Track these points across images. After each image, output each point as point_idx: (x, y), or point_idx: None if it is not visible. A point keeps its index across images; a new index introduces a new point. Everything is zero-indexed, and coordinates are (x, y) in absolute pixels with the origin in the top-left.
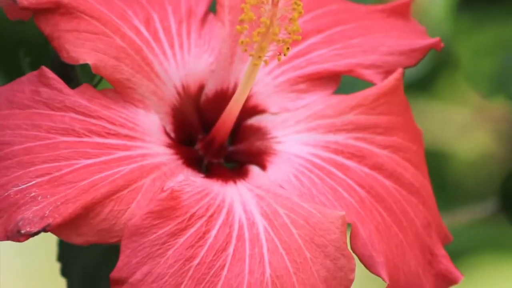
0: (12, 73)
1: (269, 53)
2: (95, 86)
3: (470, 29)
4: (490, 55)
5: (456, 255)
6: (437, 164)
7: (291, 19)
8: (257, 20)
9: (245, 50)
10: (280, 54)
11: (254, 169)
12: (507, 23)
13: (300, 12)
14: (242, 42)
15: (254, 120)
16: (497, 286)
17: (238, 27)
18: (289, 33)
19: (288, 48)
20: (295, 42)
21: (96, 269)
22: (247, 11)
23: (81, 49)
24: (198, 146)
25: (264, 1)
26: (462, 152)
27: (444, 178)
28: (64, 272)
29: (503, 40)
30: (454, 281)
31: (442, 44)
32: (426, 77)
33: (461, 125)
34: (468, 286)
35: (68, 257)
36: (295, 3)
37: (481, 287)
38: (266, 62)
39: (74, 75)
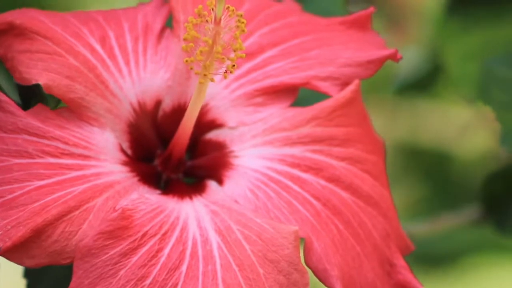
0: None
1: (220, 70)
2: (58, 103)
3: (458, 33)
4: (476, 59)
5: (455, 255)
6: (437, 164)
7: (234, 36)
8: (201, 38)
9: (191, 69)
10: (226, 72)
11: (211, 184)
12: (494, 27)
13: (243, 30)
14: (187, 61)
15: (212, 135)
16: (495, 287)
17: (183, 45)
18: (234, 51)
19: (233, 66)
20: (252, 56)
21: (63, 286)
22: (190, 30)
23: (33, 69)
24: (156, 162)
25: (207, 19)
26: (462, 152)
27: (444, 178)
28: None
29: (489, 44)
30: None
31: (399, 55)
32: (426, 77)
33: (461, 125)
34: (467, 286)
35: (35, 273)
36: (239, 20)
37: (480, 287)
38: (212, 80)
39: (40, 92)
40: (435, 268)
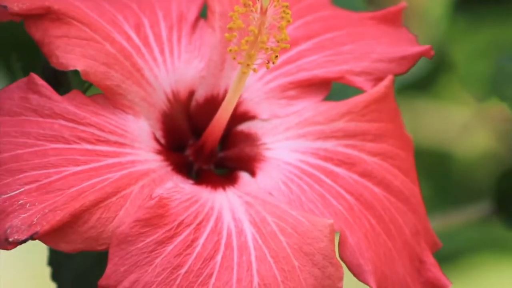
0: (6, 78)
1: (258, 61)
2: (85, 90)
3: (465, 31)
4: (484, 57)
5: (455, 255)
6: (437, 164)
7: (279, 27)
8: (246, 28)
9: (234, 58)
10: (268, 62)
11: (243, 176)
12: (502, 25)
13: (289, 21)
14: (230, 50)
15: (244, 126)
16: (496, 286)
17: (226, 35)
18: (278, 41)
19: (276, 56)
20: (286, 49)
21: (87, 275)
22: (236, 19)
23: (70, 55)
24: (188, 152)
25: (252, 9)
26: (462, 152)
27: (444, 178)
28: (55, 277)
29: (497, 42)
30: None
31: (432, 52)
32: (426, 77)
33: (461, 125)
34: (468, 286)
35: (59, 262)
36: (284, 11)
37: (481, 287)
38: (254, 70)
39: (66, 80)
40: None
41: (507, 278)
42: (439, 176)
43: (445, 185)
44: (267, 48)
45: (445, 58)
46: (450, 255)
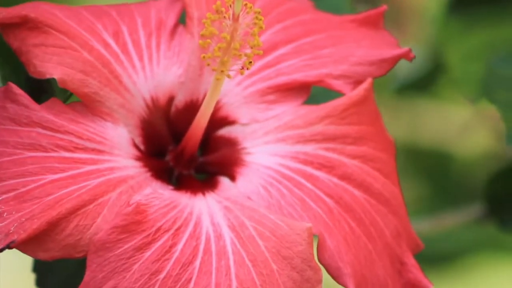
0: None
1: (234, 67)
2: (68, 97)
3: (459, 32)
4: (478, 58)
5: (455, 254)
6: (437, 164)
7: (252, 33)
8: (219, 35)
9: (208, 65)
10: (243, 68)
11: (224, 181)
12: (496, 27)
13: (261, 27)
14: (204, 57)
15: (224, 131)
16: (495, 286)
17: (200, 41)
18: (251, 48)
19: (250, 62)
20: (265, 53)
21: (72, 280)
22: (208, 26)
23: (48, 63)
24: (168, 157)
25: (225, 16)
26: (462, 151)
27: (444, 178)
28: (39, 283)
29: (491, 44)
30: None
31: (412, 54)
32: (426, 77)
33: (460, 125)
34: (466, 286)
35: (44, 268)
36: (256, 17)
37: (479, 287)
38: (229, 77)
39: (49, 87)
40: (435, 267)
41: (505, 278)
42: (438, 176)
43: (444, 185)
44: (240, 55)
45: (443, 59)
46: (448, 255)
